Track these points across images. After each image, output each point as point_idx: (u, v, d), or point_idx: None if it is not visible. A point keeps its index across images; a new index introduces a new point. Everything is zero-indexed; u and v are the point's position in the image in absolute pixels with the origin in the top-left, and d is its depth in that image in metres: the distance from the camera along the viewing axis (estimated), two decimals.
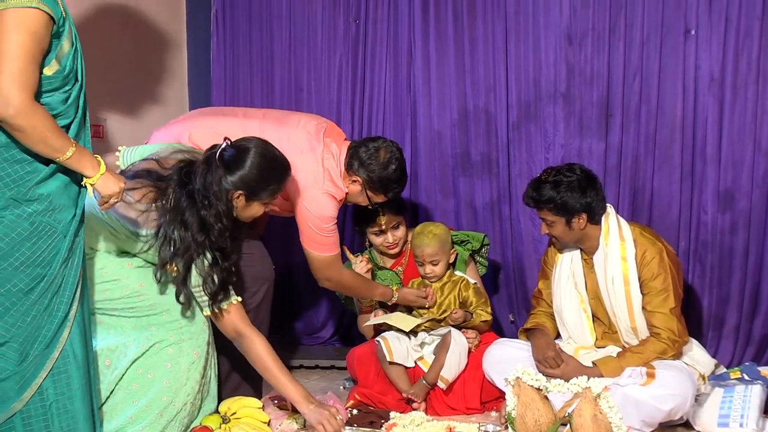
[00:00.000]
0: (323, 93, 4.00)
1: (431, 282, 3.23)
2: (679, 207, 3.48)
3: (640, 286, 2.89)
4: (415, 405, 3.01)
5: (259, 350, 2.66)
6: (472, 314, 3.19)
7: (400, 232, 3.36)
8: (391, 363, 3.10)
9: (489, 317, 3.24)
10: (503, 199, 3.76)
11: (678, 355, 2.88)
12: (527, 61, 3.67)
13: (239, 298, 2.72)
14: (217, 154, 2.62)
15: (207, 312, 2.67)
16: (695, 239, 3.47)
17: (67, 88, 2.16)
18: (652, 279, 2.87)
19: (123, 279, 2.67)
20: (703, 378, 2.92)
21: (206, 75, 4.15)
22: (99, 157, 2.24)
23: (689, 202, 3.49)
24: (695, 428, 2.78)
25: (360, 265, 3.31)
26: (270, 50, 4.05)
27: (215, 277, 2.63)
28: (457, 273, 3.28)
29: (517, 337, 3.20)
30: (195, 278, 2.62)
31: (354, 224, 3.52)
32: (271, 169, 2.70)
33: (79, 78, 2.19)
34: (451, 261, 3.26)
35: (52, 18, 2.06)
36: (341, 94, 3.96)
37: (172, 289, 2.67)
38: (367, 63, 3.90)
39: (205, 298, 2.64)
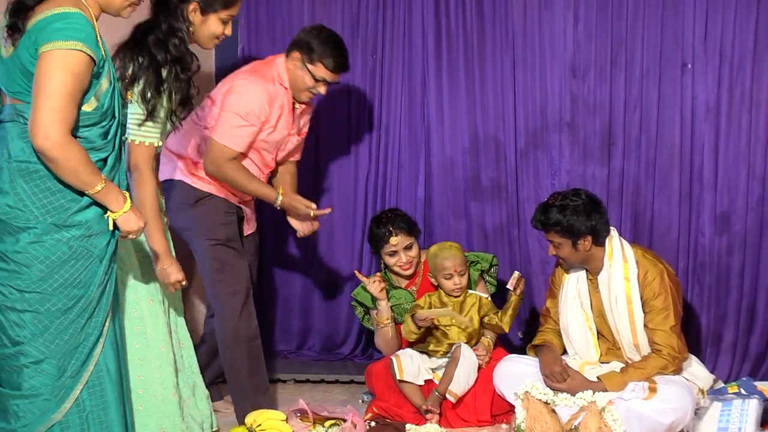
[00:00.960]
0: (342, 123, 3.96)
1: (455, 296, 3.19)
2: (678, 229, 3.48)
3: (642, 305, 2.90)
4: (429, 416, 3.02)
5: (148, 192, 2.59)
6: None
7: (413, 252, 3.34)
8: (401, 381, 3.12)
9: (505, 327, 3.21)
10: (512, 222, 3.75)
11: (678, 371, 2.89)
12: (534, 92, 3.67)
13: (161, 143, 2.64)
14: None
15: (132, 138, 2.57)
16: (694, 260, 3.47)
17: (104, 123, 2.22)
18: (653, 298, 2.89)
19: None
20: (702, 392, 2.92)
21: None
22: (127, 194, 2.30)
23: (688, 225, 3.49)
24: None
25: (374, 285, 3.28)
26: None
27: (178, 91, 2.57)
28: (470, 291, 3.27)
29: (525, 353, 3.19)
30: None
31: (370, 247, 3.50)
32: None
33: (116, 114, 2.26)
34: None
35: (93, 59, 2.12)
36: (359, 123, 3.93)
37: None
38: (384, 93, 3.88)
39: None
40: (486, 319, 3.21)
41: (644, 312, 2.91)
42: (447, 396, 3.06)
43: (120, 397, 2.31)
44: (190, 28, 2.66)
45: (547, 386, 2.84)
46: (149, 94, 2.53)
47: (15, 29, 2.17)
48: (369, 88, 3.93)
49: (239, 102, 3.02)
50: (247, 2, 4.09)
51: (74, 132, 2.15)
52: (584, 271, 3.05)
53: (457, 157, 3.82)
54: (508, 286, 3.18)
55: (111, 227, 2.29)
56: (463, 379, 3.07)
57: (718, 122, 3.42)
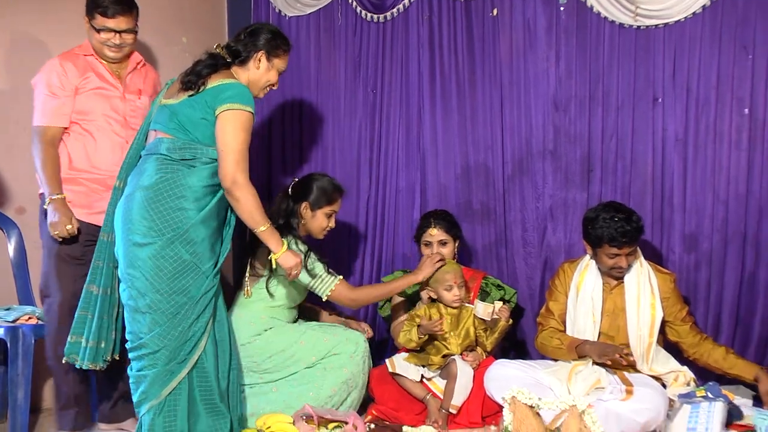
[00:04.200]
0: (345, 151, 4.03)
1: (455, 307, 3.17)
2: (651, 248, 3.48)
3: (665, 308, 3.06)
4: (436, 426, 2.99)
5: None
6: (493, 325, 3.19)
7: (446, 250, 3.35)
8: (393, 374, 3.14)
9: (488, 346, 3.21)
10: (500, 243, 3.76)
11: None
12: (520, 124, 3.70)
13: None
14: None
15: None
16: None
17: None
18: (676, 298, 3.10)
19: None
20: (695, 381, 3.07)
21: None
22: (284, 240, 2.77)
23: (659, 244, 3.51)
24: None
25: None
26: (299, 114, 4.08)
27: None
28: (466, 305, 3.25)
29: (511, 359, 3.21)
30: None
31: (415, 236, 3.51)
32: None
33: None
34: None
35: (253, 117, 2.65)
36: (360, 151, 3.99)
37: None
38: (383, 126, 3.94)
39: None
40: (477, 333, 3.22)
41: (669, 311, 3.07)
42: (450, 410, 3.06)
43: (216, 373, 2.64)
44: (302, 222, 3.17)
45: (607, 365, 2.94)
46: None
47: (189, 87, 2.65)
48: (369, 120, 3.99)
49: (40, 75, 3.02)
50: None
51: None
52: (600, 276, 3.13)
53: (450, 183, 3.86)
54: (495, 316, 3.19)
55: (273, 266, 2.83)
56: (462, 392, 3.08)
57: (685, 151, 3.45)
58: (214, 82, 2.64)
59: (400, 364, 3.18)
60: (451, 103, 3.84)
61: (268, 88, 2.91)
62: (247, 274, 3.19)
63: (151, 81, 3.25)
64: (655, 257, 3.47)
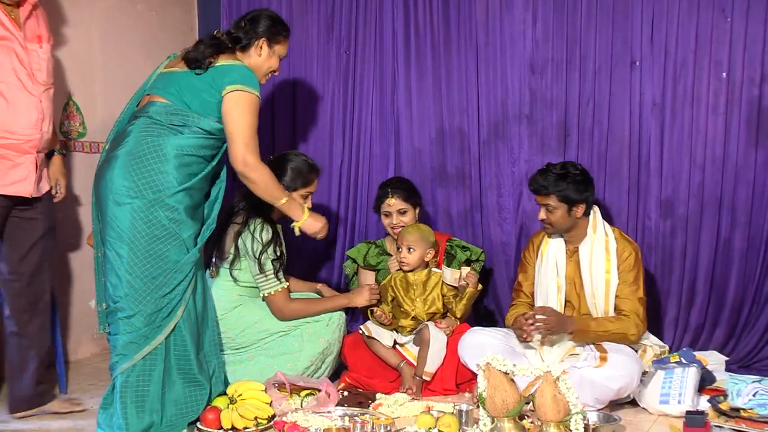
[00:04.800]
0: (318, 115, 3.98)
1: (405, 271, 3.16)
2: (627, 214, 3.50)
3: (617, 276, 2.97)
4: (410, 393, 2.97)
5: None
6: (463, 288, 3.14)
7: (407, 218, 3.32)
8: (369, 337, 3.12)
9: (457, 313, 3.16)
10: (475, 208, 3.76)
11: (638, 339, 2.95)
12: (496, 87, 3.68)
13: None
14: None
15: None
16: (641, 242, 3.45)
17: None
18: (627, 272, 2.96)
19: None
20: (666, 352, 3.02)
21: None
22: (305, 206, 2.86)
23: (636, 210, 3.50)
24: (640, 405, 2.83)
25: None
26: (272, 79, 3.87)
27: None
28: (435, 270, 3.21)
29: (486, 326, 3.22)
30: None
31: (374, 207, 3.47)
32: None
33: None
34: (427, 260, 3.18)
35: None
36: (333, 115, 3.94)
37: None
38: (356, 88, 3.89)
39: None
40: (445, 300, 3.19)
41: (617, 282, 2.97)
42: (423, 377, 3.06)
43: (194, 338, 2.64)
44: None
45: (522, 337, 2.88)
46: None
47: (195, 65, 2.65)
48: (342, 83, 3.95)
49: None
50: (229, 1, 4.07)
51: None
52: (563, 241, 3.07)
53: (424, 147, 3.84)
54: (462, 282, 3.15)
55: (297, 233, 2.84)
56: (435, 358, 3.07)
57: (663, 116, 3.43)
58: (220, 62, 2.67)
59: (374, 328, 3.16)
60: (426, 65, 3.81)
61: (270, 74, 2.93)
62: (214, 257, 3.14)
63: (45, 23, 2.88)
64: (631, 223, 3.51)
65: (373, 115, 3.90)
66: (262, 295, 3.06)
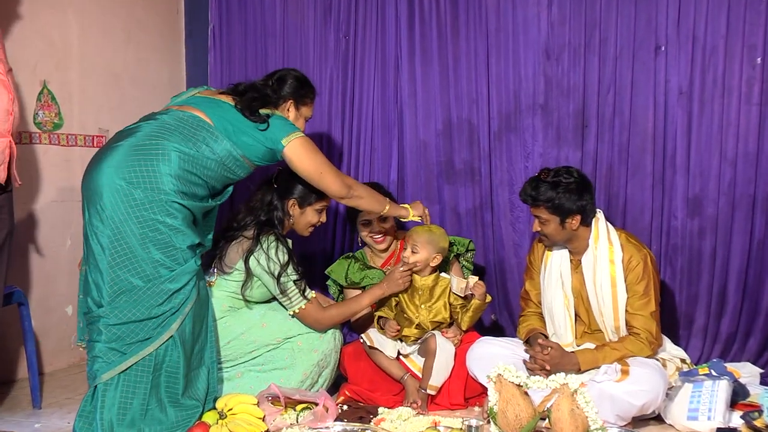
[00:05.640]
0: (315, 105, 3.86)
1: (414, 271, 3.09)
2: (651, 213, 3.45)
3: (625, 289, 2.87)
4: (414, 407, 2.91)
5: None
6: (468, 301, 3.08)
7: (387, 224, 3.29)
8: (371, 347, 3.07)
9: (463, 326, 3.11)
10: (485, 206, 3.72)
11: (653, 356, 2.86)
12: (507, 75, 3.64)
13: None
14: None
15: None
16: (666, 243, 3.43)
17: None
18: (636, 283, 2.85)
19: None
20: (687, 363, 2.97)
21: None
22: (406, 206, 3.16)
23: (660, 208, 3.45)
24: (666, 421, 2.76)
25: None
26: (264, 65, 4.00)
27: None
28: (443, 275, 3.15)
29: (496, 335, 3.17)
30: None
31: (349, 220, 3.44)
32: None
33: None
34: (433, 265, 3.10)
35: None
36: (332, 105, 3.91)
37: None
38: (356, 76, 3.86)
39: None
40: (452, 309, 3.13)
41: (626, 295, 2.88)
42: (429, 390, 3.01)
43: (187, 358, 2.63)
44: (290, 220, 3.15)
45: (528, 368, 2.84)
46: None
47: (247, 111, 2.78)
48: (341, 71, 3.96)
49: None
50: None
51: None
52: (567, 251, 2.98)
53: (430, 141, 3.80)
54: (469, 292, 3.07)
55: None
56: (442, 370, 3.02)
57: (690, 106, 3.39)
58: (266, 111, 2.84)
59: (376, 337, 3.11)
60: (432, 51, 3.76)
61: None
62: (214, 267, 3.10)
63: None
64: (655, 222, 3.46)
65: (375, 106, 3.86)
66: (291, 312, 3.02)
